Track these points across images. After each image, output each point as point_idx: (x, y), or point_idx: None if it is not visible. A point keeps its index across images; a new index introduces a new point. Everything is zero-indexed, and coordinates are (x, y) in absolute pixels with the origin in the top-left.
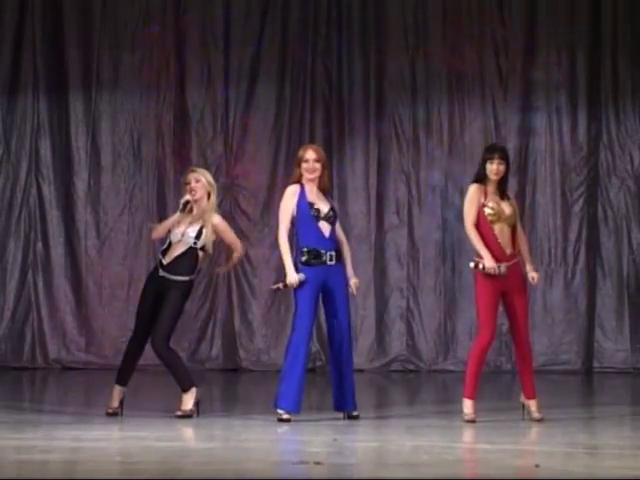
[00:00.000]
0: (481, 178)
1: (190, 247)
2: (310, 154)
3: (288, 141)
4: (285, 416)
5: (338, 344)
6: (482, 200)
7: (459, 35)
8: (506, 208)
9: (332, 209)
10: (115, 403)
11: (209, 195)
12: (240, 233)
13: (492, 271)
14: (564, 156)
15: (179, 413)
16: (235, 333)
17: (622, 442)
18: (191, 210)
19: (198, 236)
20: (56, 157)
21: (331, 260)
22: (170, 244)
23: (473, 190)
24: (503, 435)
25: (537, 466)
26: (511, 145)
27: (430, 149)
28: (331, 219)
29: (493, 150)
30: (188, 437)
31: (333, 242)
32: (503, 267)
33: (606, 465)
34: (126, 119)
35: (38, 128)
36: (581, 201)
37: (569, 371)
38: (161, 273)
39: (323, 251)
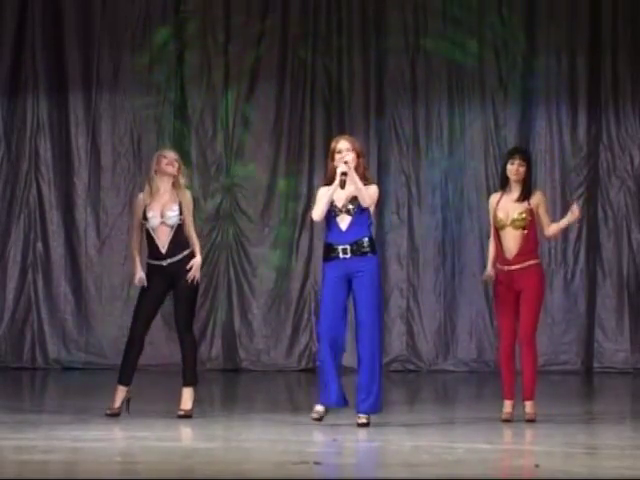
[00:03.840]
0: (504, 182)
1: (177, 226)
2: (342, 144)
3: (288, 141)
4: (315, 415)
5: (357, 341)
6: (494, 208)
7: (459, 35)
8: (514, 212)
9: (354, 198)
10: (116, 404)
11: (175, 177)
12: (240, 233)
13: (486, 279)
14: (564, 156)
15: (181, 413)
16: (235, 333)
17: (622, 442)
18: (173, 185)
19: (181, 212)
20: (56, 157)
21: (345, 253)
22: (153, 231)
23: (489, 201)
24: (503, 435)
25: (537, 466)
26: (511, 145)
27: (430, 149)
28: (350, 210)
29: (514, 151)
30: (188, 437)
31: (350, 235)
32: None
33: (606, 465)
34: (126, 119)
35: (38, 128)
36: (581, 201)
37: (569, 371)
38: (166, 262)
39: (335, 246)
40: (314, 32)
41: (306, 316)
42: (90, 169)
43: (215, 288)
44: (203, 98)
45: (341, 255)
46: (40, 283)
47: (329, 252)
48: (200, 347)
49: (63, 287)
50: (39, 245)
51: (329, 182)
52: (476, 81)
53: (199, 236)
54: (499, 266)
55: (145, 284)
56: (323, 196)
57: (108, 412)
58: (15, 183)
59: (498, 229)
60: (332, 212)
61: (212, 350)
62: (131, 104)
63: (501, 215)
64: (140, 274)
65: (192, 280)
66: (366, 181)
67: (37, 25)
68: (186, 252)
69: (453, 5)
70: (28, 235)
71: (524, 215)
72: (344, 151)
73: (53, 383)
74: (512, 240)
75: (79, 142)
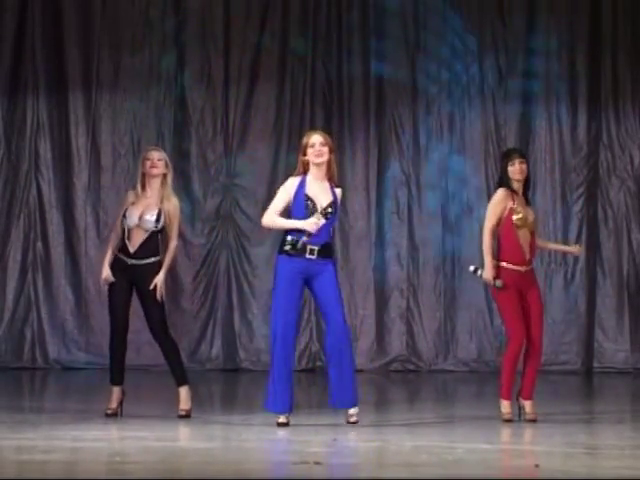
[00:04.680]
0: (505, 185)
1: (152, 231)
2: (315, 138)
3: (288, 141)
4: (280, 419)
5: (330, 339)
6: (511, 205)
7: (459, 35)
8: (530, 214)
9: (333, 204)
10: (114, 404)
11: (164, 176)
12: (240, 233)
13: (487, 282)
14: (564, 156)
15: (182, 413)
16: (235, 333)
17: (622, 442)
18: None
19: (158, 219)
20: (56, 157)
21: (311, 254)
22: (128, 230)
23: (500, 194)
24: (503, 435)
25: (537, 466)
26: (511, 145)
27: (430, 149)
28: (328, 215)
29: (513, 151)
30: (188, 437)
31: (321, 237)
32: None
33: (606, 465)
34: (126, 119)
35: (38, 128)
36: (581, 201)
37: (569, 371)
38: (130, 262)
39: (302, 244)
40: (314, 32)
41: (306, 316)
42: (90, 169)
43: (215, 288)
44: (203, 98)
45: (307, 255)
46: (40, 283)
47: (294, 248)
48: (200, 347)
49: (63, 287)
50: (39, 245)
51: (299, 175)
52: (476, 81)
53: (198, 235)
54: (513, 266)
55: (111, 280)
56: (285, 221)
57: (108, 412)
58: (15, 183)
59: (518, 227)
60: (309, 210)
61: (212, 350)
62: (131, 104)
63: (522, 215)
64: (107, 272)
65: (159, 296)
66: (333, 181)
67: (37, 25)
68: (152, 259)
69: (453, 5)
70: (28, 235)
71: (534, 217)
72: (317, 145)
73: (53, 383)
74: (528, 242)
75: (79, 142)
